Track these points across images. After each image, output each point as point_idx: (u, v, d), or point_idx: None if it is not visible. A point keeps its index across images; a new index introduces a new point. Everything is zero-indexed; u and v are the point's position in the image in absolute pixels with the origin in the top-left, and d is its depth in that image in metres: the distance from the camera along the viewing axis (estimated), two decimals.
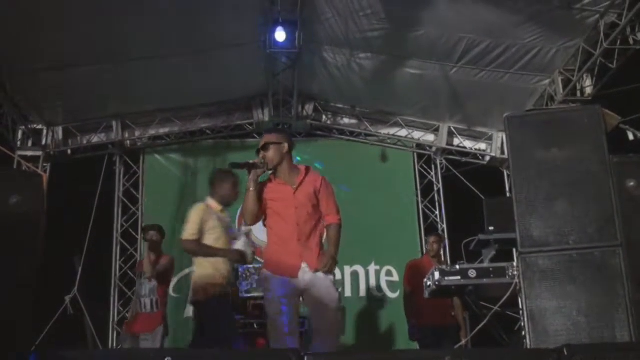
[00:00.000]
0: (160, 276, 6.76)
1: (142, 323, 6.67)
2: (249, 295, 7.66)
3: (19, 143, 9.15)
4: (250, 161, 4.53)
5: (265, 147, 4.59)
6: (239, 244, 5.62)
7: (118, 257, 9.83)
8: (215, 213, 5.57)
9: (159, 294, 6.75)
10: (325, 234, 4.71)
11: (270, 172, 4.64)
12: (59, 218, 7.08)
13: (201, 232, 5.46)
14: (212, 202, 5.67)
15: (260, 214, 4.63)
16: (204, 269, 5.48)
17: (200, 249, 5.48)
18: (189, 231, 5.49)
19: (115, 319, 9.52)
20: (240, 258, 5.62)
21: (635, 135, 4.61)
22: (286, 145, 4.63)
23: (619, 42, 7.04)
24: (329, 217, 4.68)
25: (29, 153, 9.28)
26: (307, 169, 4.73)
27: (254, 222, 4.67)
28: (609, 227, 3.82)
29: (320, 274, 4.47)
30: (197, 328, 5.68)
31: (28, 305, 4.14)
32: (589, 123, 4.07)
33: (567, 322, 3.72)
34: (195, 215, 5.51)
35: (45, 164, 9.41)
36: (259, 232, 5.53)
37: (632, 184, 3.91)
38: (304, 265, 4.47)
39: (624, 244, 3.77)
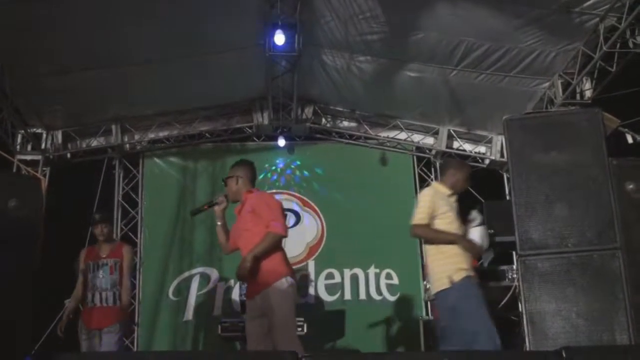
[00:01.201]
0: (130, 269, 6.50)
1: (103, 318, 6.14)
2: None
3: (18, 147, 9.14)
4: (211, 200, 5.11)
5: (225, 182, 5.09)
6: (474, 234, 5.17)
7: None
8: (445, 198, 5.24)
9: (120, 286, 6.30)
10: (284, 254, 4.89)
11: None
12: (58, 222, 7.07)
13: (432, 216, 5.07)
14: (440, 187, 5.37)
15: (233, 245, 4.99)
16: (441, 255, 5.06)
17: (430, 233, 5.08)
18: (418, 215, 5.09)
19: None
20: (472, 247, 5.06)
21: (634, 138, 4.62)
22: (237, 177, 5.04)
23: (618, 46, 7.03)
24: (268, 228, 4.75)
25: (29, 157, 9.27)
26: (247, 194, 4.99)
27: (228, 253, 5.09)
28: (608, 230, 3.83)
29: (269, 289, 4.63)
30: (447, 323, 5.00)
31: (26, 308, 4.14)
32: (588, 126, 4.07)
33: (566, 325, 3.72)
34: (425, 199, 5.16)
35: (44, 168, 9.39)
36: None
37: (631, 186, 3.92)
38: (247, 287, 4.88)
39: (623, 247, 3.78)
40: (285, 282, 4.66)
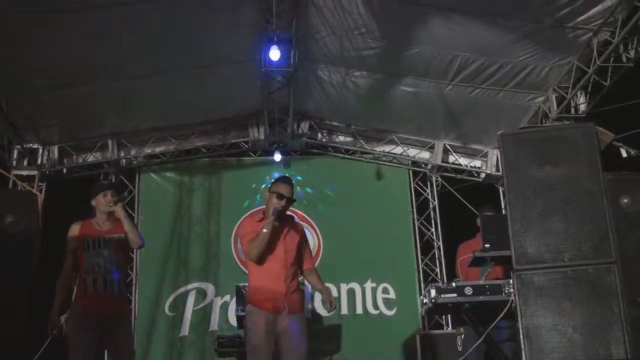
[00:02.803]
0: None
1: (110, 305, 5.03)
2: (244, 313, 7.61)
3: (14, 162, 9.14)
4: (278, 208, 4.82)
5: (291, 199, 4.95)
6: None
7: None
8: None
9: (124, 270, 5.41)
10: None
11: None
12: (54, 237, 7.05)
13: None
14: None
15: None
16: None
17: None
18: None
19: None
20: None
21: (628, 152, 4.64)
22: None
23: (612, 60, 7.07)
24: (307, 263, 5.11)
25: (25, 172, 9.26)
26: (292, 217, 5.13)
27: (259, 261, 4.87)
28: (603, 244, 3.84)
29: (297, 317, 4.82)
30: None
31: (23, 323, 4.14)
32: (583, 140, 4.10)
33: (563, 339, 3.72)
34: None
35: (40, 183, 9.39)
36: None
37: (626, 200, 3.94)
38: (285, 305, 4.79)
39: (619, 261, 3.79)
40: None
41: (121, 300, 5.20)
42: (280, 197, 4.89)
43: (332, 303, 4.90)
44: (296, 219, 5.25)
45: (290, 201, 4.95)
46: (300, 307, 4.90)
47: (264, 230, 4.73)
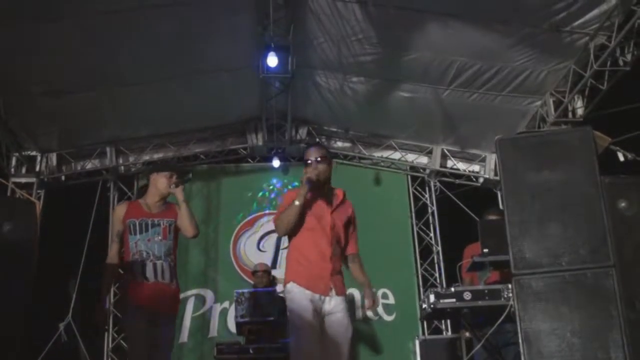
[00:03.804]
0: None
1: (163, 299, 4.72)
2: (243, 320, 7.60)
3: (12, 170, 9.14)
4: (312, 177, 4.48)
5: (323, 160, 4.64)
6: None
7: (112, 284, 9.76)
8: None
9: (174, 257, 4.92)
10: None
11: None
12: (53, 245, 7.05)
13: None
14: None
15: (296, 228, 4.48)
16: None
17: None
18: None
19: (110, 345, 9.42)
20: None
21: (625, 156, 4.64)
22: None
23: (608, 64, 7.09)
24: (352, 247, 4.91)
25: (23, 180, 9.26)
26: (340, 191, 4.79)
27: (286, 235, 4.53)
28: (601, 248, 3.84)
29: (342, 299, 4.46)
30: None
31: (21, 331, 4.13)
32: (580, 144, 4.10)
33: (562, 344, 3.72)
34: None
35: (39, 191, 9.39)
36: None
37: (623, 204, 3.94)
38: (332, 286, 4.45)
39: (617, 265, 3.79)
40: None
41: (173, 292, 4.83)
42: (306, 164, 4.60)
43: (374, 302, 4.76)
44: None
45: (329, 163, 4.70)
46: (345, 290, 4.53)
47: (296, 202, 4.35)
